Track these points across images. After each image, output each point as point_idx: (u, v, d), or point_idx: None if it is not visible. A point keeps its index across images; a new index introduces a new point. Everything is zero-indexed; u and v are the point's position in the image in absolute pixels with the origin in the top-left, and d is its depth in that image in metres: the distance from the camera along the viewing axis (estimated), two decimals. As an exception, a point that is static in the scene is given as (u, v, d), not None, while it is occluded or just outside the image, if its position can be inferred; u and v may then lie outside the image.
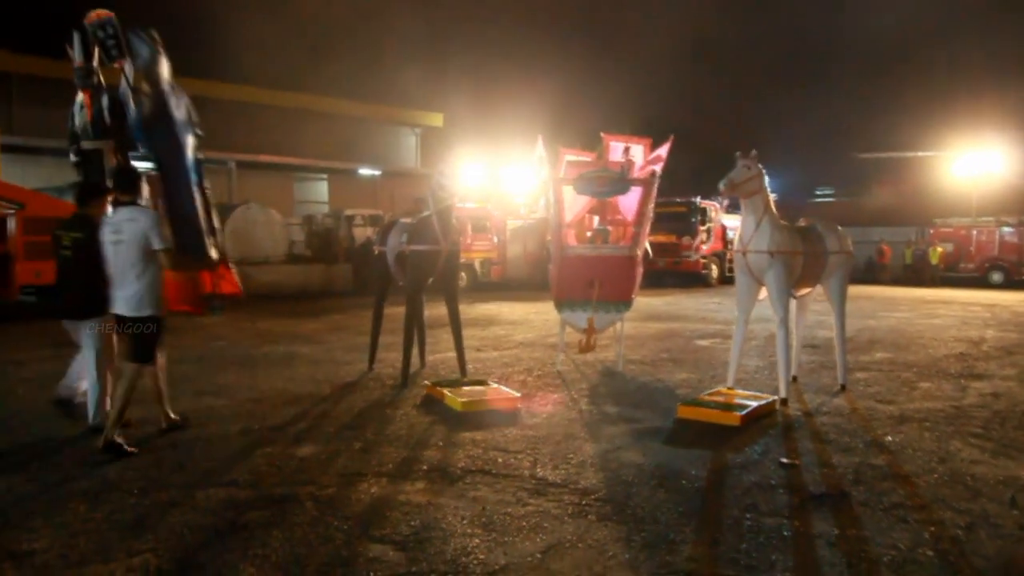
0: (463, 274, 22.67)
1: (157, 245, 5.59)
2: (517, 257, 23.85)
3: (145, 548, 3.85)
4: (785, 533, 4.03)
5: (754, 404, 6.59)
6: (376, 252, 8.73)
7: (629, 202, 8.53)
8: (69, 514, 4.31)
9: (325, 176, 33.31)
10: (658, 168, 8.47)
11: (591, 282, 8.13)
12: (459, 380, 7.67)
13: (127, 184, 5.87)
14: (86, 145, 6.50)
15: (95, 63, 6.52)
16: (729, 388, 7.34)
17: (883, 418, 6.61)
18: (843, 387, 7.83)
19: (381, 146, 36.71)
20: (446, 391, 7.02)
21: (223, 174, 29.38)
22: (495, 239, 23.46)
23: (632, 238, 8.41)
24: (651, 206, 8.44)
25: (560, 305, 8.54)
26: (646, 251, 8.85)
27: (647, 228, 8.50)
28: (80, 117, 6.55)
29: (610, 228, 9.28)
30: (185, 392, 7.65)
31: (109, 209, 6.02)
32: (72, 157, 6.64)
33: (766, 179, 7.11)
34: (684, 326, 13.57)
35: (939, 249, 28.82)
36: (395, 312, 9.58)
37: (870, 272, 30.08)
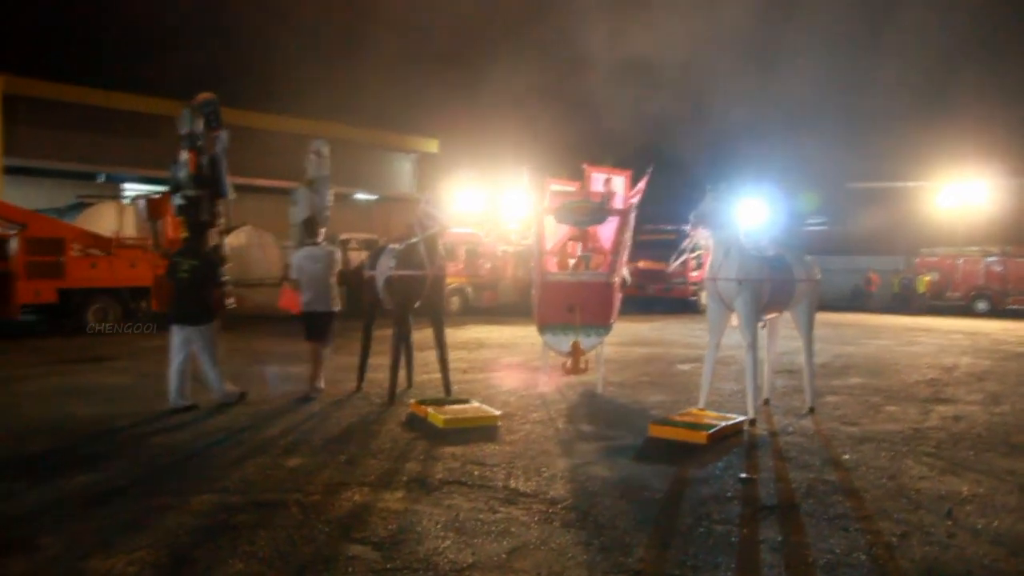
0: (455, 298, 23.09)
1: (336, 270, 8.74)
2: (508, 282, 24.24)
3: (143, 545, 4.18)
4: (733, 539, 4.38)
5: (722, 424, 6.94)
6: (366, 277, 9.11)
7: (607, 231, 8.94)
8: (74, 514, 4.66)
9: (320, 200, 33.69)
10: (635, 199, 8.90)
11: (571, 307, 8.51)
12: (443, 399, 8.02)
13: (313, 230, 8.82)
14: (189, 192, 8.43)
15: (200, 130, 8.51)
16: (700, 409, 7.69)
17: (844, 438, 6.97)
18: (811, 409, 8.19)
19: (377, 171, 37.21)
20: (429, 408, 7.37)
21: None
22: (487, 264, 23.84)
23: (609, 266, 8.81)
24: (628, 235, 8.86)
25: (543, 330, 8.91)
26: (624, 278, 9.23)
27: (624, 256, 8.90)
28: (184, 171, 8.47)
29: (592, 255, 9.68)
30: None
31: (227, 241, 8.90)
32: (178, 200, 8.58)
33: (734, 210, 7.52)
34: (667, 351, 13.93)
35: (926, 278, 29.29)
36: (384, 334, 9.95)
37: (857, 300, 30.51)
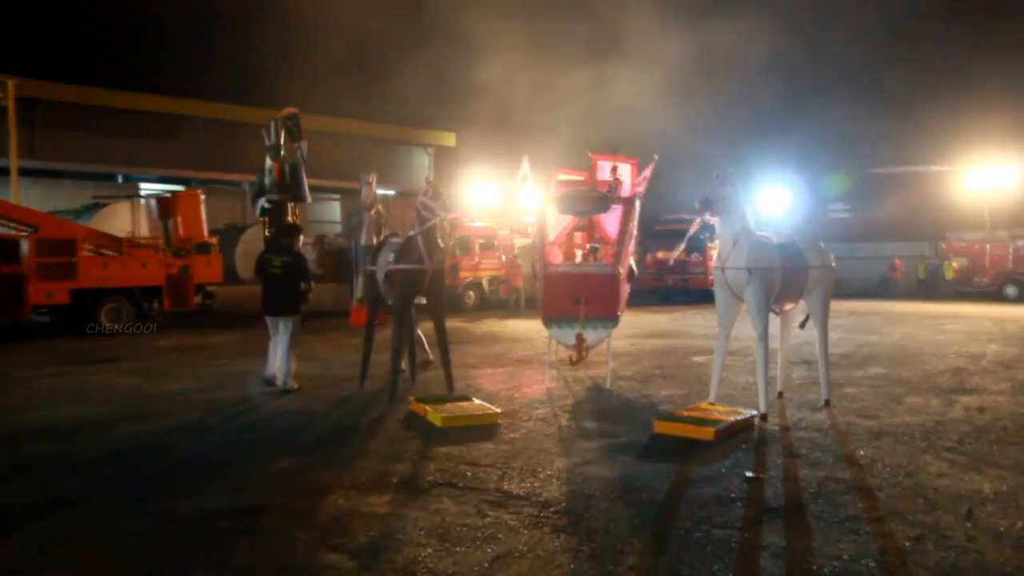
0: (471, 292, 22.89)
1: None
2: (524, 275, 24.00)
3: (113, 555, 4.01)
4: (732, 545, 4.10)
5: (731, 419, 6.65)
6: (367, 272, 8.92)
7: (611, 221, 8.65)
8: (48, 522, 4.50)
9: (338, 196, 33.67)
10: (641, 188, 8.60)
11: (576, 299, 8.24)
12: (443, 396, 7.81)
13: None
14: (273, 197, 9.21)
15: (282, 142, 9.29)
16: (709, 403, 7.41)
17: (860, 433, 6.65)
18: (827, 402, 7.86)
19: (394, 166, 37.11)
20: (428, 407, 7.15)
21: (237, 196, 29.88)
22: (503, 257, 23.61)
23: (614, 256, 8.52)
24: (633, 225, 8.56)
25: (548, 323, 8.66)
26: (631, 269, 8.94)
27: (629, 246, 8.61)
28: (269, 178, 9.23)
29: (601, 246, 9.41)
30: (181, 408, 7.87)
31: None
32: (264, 205, 9.37)
33: (742, 196, 7.21)
34: (683, 343, 13.62)
35: (953, 263, 28.60)
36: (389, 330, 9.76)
37: (884, 287, 29.92)
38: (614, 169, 9.16)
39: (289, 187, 9.24)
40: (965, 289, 28.53)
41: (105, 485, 5.24)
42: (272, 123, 9.38)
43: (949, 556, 3.94)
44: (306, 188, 9.36)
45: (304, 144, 9.41)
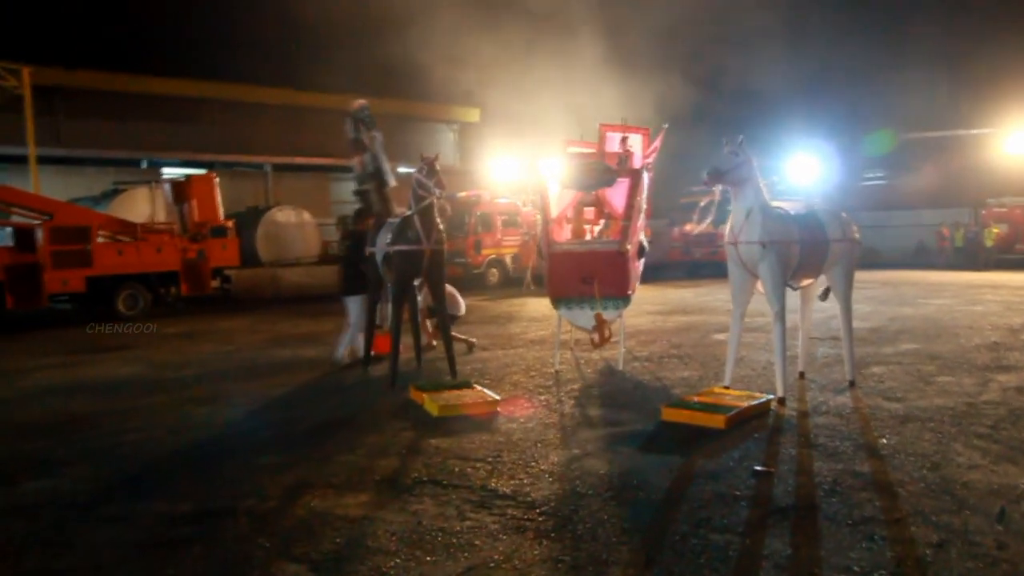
0: (494, 270, 22.51)
1: None
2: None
3: (61, 568, 3.74)
4: (731, 553, 3.70)
5: (744, 405, 6.22)
6: (367, 254, 8.59)
7: (618, 195, 8.18)
8: (3, 528, 4.25)
9: (358, 175, 33.27)
10: (650, 159, 8.11)
11: (584, 278, 7.82)
12: (443, 383, 7.47)
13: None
14: (360, 188, 9.76)
15: (361, 134, 9.67)
16: (724, 387, 6.98)
17: (885, 418, 6.18)
18: (851, 383, 7.38)
19: (418, 143, 36.32)
20: (426, 395, 6.82)
21: (259, 177, 29.77)
22: (526, 234, 23.15)
23: (621, 232, 8.03)
24: (642, 198, 8.08)
25: (556, 303, 8.26)
26: (641, 245, 8.47)
27: (638, 221, 8.13)
28: (355, 170, 9.82)
29: (611, 222, 8.96)
30: (175, 400, 7.63)
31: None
32: (354, 195, 10.10)
33: (755, 165, 6.71)
34: (706, 319, 13.13)
35: (994, 230, 27.44)
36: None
37: (921, 256, 28.90)
38: (624, 140, 8.68)
39: (372, 175, 9.63)
40: (1006, 257, 27.37)
41: (72, 487, 4.99)
42: (348, 120, 9.74)
43: (975, 567, 3.50)
44: (388, 172, 9.71)
45: (379, 133, 9.78)
